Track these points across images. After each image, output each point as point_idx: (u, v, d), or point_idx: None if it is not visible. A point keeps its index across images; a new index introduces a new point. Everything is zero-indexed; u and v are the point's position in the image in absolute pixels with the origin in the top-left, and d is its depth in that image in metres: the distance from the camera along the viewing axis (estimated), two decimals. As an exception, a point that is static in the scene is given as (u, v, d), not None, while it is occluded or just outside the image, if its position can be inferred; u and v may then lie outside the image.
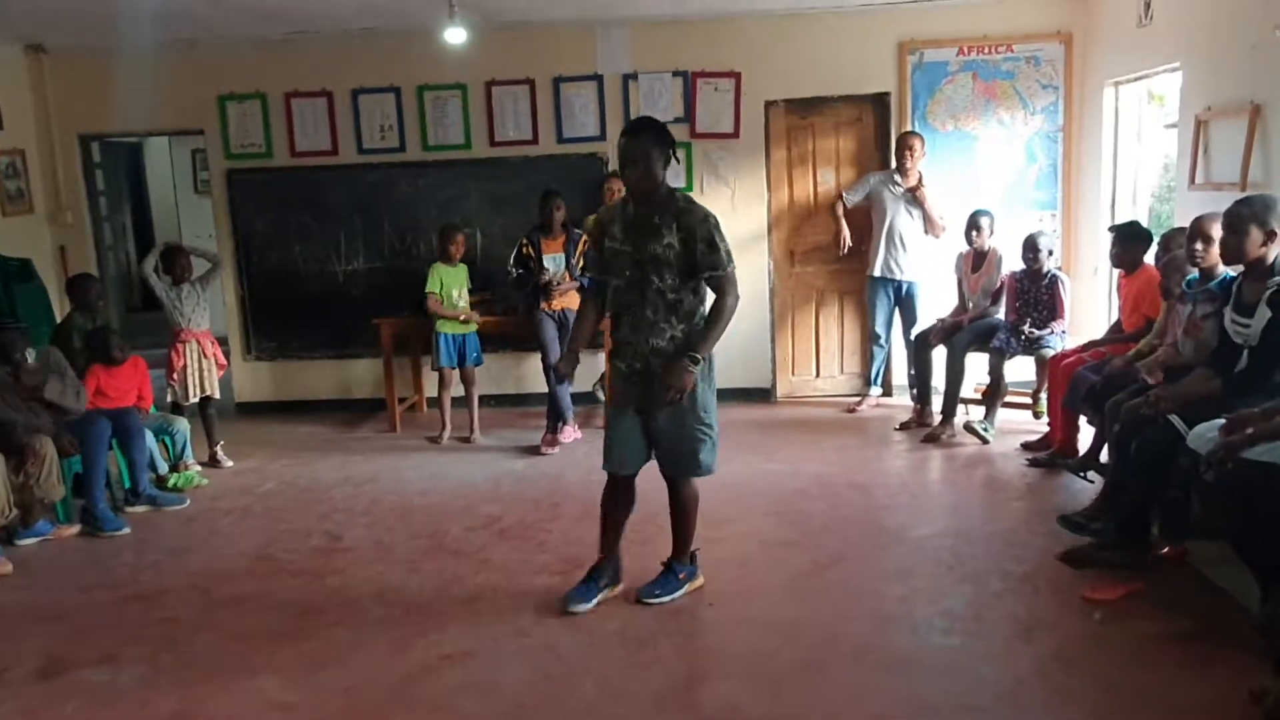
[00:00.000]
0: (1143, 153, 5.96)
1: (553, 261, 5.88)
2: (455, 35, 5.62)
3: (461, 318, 5.99)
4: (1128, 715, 2.74)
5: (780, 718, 2.80)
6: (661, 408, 3.27)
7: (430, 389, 6.81)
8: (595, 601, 3.48)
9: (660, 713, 2.85)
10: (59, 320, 5.95)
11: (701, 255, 3.22)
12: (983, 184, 6.33)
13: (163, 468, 5.25)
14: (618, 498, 3.51)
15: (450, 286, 6.00)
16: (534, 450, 5.71)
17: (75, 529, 4.62)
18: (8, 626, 3.66)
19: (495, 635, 3.39)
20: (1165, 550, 3.72)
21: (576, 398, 6.15)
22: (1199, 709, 2.72)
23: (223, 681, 3.13)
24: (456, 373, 6.05)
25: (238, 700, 3.01)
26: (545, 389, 5.98)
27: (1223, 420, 3.16)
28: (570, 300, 5.82)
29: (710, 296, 3.36)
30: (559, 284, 5.82)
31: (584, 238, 5.86)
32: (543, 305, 5.85)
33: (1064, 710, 2.79)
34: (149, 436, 5.10)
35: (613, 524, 3.54)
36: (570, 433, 5.84)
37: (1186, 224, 4.13)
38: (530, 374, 6.67)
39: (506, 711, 2.89)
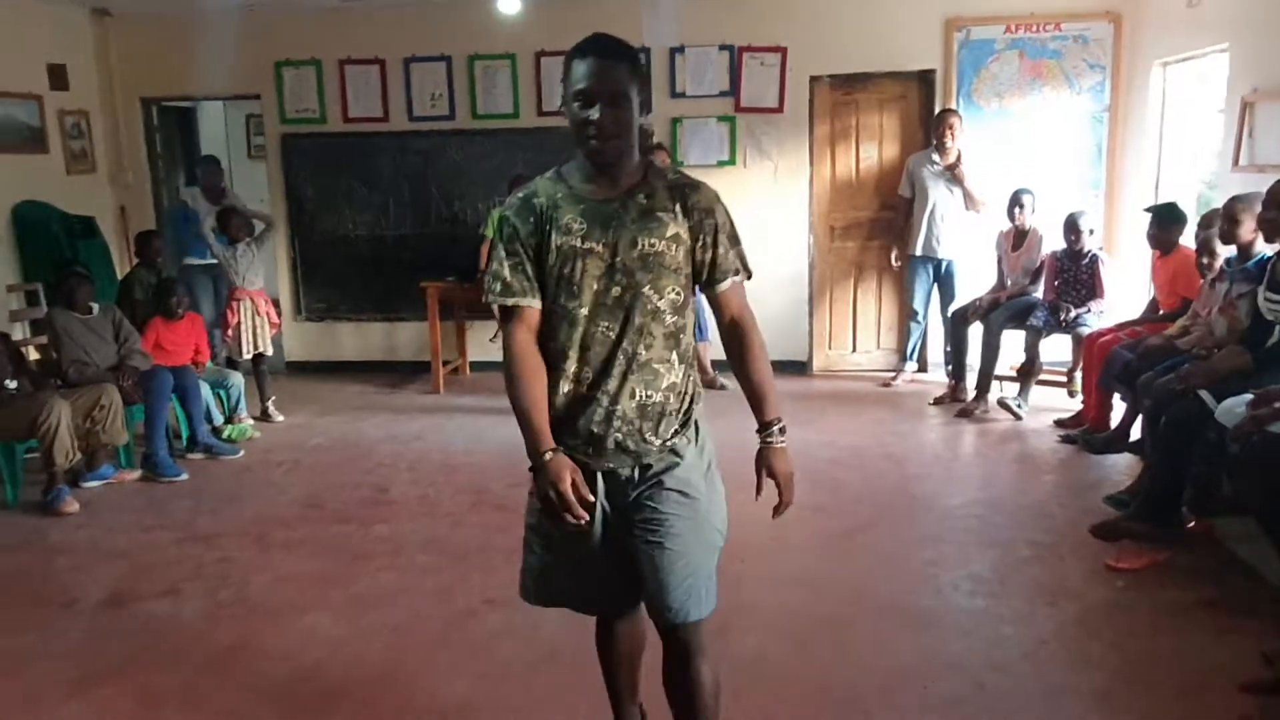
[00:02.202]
0: (1193, 137, 5.92)
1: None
2: (508, 5, 5.74)
3: None
4: (1144, 676, 2.82)
5: (805, 668, 2.92)
6: (665, 523, 1.99)
7: (475, 353, 6.99)
8: None
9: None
10: (119, 276, 6.21)
11: (722, 254, 2.01)
12: (1026, 163, 6.32)
13: (218, 419, 5.47)
14: (627, 636, 2.32)
15: None
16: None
17: (136, 474, 4.85)
18: (76, 560, 3.88)
19: (534, 584, 3.53)
20: (1192, 524, 3.78)
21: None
22: (1213, 672, 2.79)
23: (277, 617, 3.32)
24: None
25: (291, 634, 3.19)
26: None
27: (1250, 395, 3.21)
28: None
29: None
30: None
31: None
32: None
33: (1083, 670, 2.87)
34: (205, 389, 5.32)
35: (625, 671, 2.37)
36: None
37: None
38: (571, 341, 6.80)
39: (542, 655, 3.04)
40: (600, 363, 1.97)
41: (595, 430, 1.99)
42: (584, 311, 1.95)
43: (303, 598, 3.47)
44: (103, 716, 2.74)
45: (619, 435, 1.98)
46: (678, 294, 1.99)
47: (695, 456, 2.06)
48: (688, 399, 2.05)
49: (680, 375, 2.02)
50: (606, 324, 1.96)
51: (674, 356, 2.01)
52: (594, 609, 2.24)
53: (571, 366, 1.98)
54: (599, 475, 2.03)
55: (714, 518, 2.08)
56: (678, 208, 1.97)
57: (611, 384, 1.97)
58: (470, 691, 2.83)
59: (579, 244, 1.94)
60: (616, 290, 1.95)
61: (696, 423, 2.07)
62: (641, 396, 1.98)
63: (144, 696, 2.83)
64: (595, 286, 1.94)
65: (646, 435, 1.99)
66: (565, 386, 2.00)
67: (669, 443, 2.02)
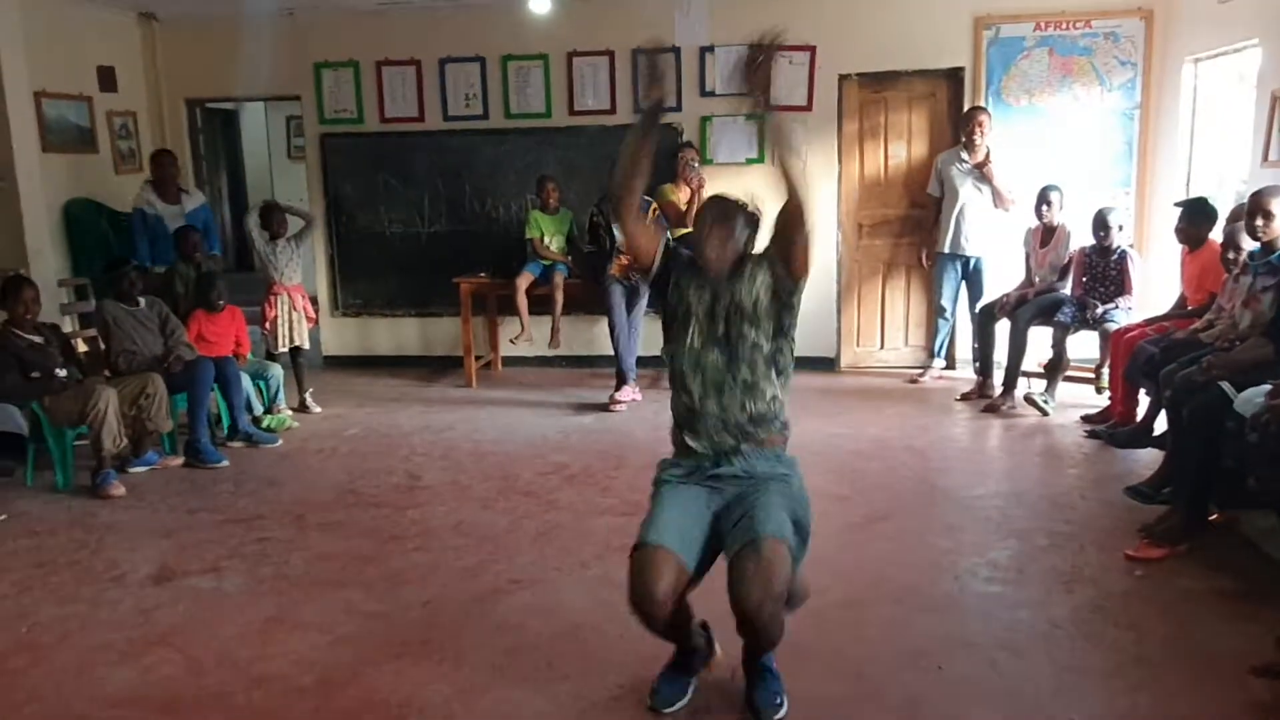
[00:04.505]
0: (1231, 136, 5.89)
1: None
2: (539, 5, 5.87)
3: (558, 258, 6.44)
4: (1156, 659, 2.86)
5: (822, 646, 2.98)
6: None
7: (506, 349, 7.11)
8: (690, 693, 2.68)
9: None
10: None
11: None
12: (1056, 160, 6.32)
13: (258, 409, 5.64)
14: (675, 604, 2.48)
15: (547, 232, 6.36)
16: (602, 407, 5.96)
17: (180, 460, 5.03)
18: (124, 539, 4.05)
19: (559, 566, 3.65)
20: (1215, 517, 3.80)
21: (643, 360, 6.36)
22: (1225, 656, 2.82)
23: (315, 592, 3.46)
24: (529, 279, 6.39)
25: (329, 608, 3.32)
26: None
27: (1270, 386, 3.24)
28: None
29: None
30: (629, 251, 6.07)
31: (653, 206, 6.10)
32: (610, 270, 6.08)
33: (1095, 652, 2.92)
34: (246, 380, 5.49)
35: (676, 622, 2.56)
36: (629, 393, 6.05)
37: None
38: (600, 337, 6.90)
39: (565, 630, 3.13)
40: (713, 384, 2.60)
41: (714, 436, 2.59)
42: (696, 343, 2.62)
43: (338, 575, 3.60)
44: (149, 681, 2.88)
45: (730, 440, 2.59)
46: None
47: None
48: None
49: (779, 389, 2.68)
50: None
51: (773, 374, 2.65)
52: (673, 566, 2.44)
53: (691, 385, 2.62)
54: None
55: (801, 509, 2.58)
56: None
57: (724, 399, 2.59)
58: (497, 662, 2.93)
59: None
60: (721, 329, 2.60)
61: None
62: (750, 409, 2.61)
63: (188, 663, 2.97)
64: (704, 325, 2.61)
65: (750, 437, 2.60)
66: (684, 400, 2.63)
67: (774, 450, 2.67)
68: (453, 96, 6.93)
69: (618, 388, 6.03)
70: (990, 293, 6.15)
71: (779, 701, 2.60)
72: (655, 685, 2.66)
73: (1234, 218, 4.59)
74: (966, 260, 6.26)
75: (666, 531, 2.47)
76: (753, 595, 2.34)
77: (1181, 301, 5.19)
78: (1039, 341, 5.65)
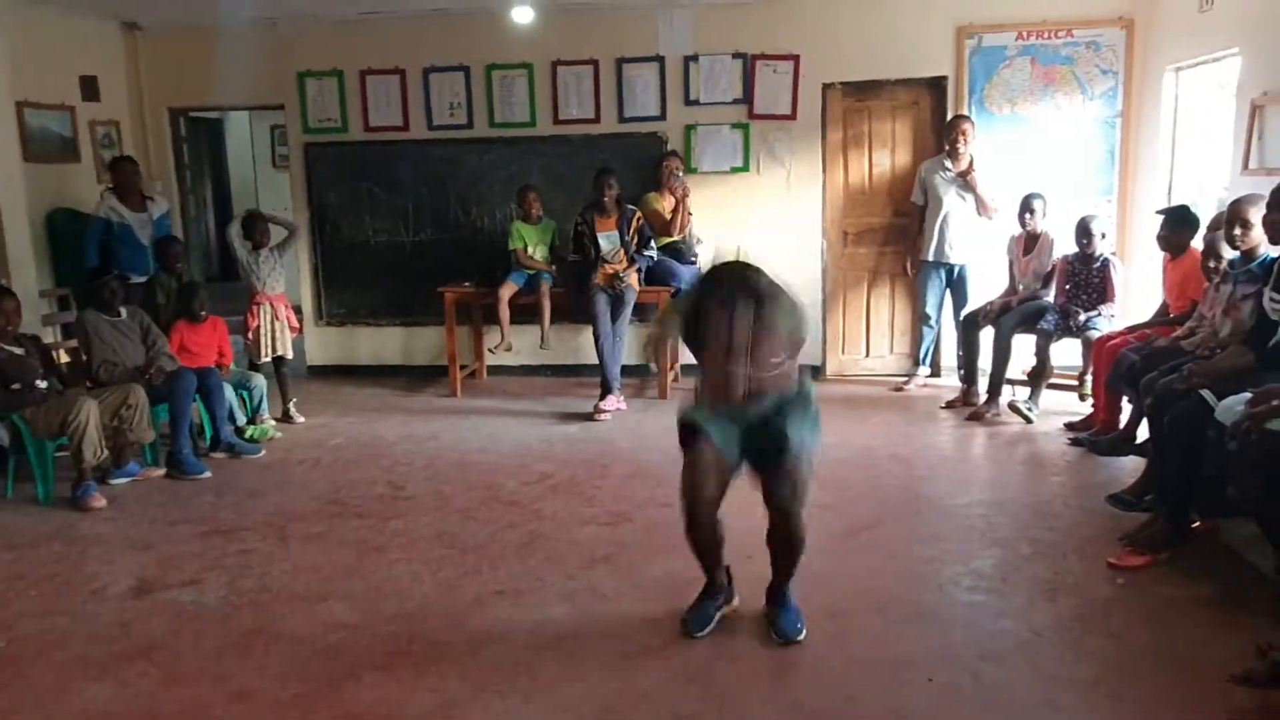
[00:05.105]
0: (1212, 144, 5.93)
1: (607, 239, 6.14)
2: (522, 14, 5.90)
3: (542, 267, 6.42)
4: (1138, 667, 2.87)
5: (805, 656, 2.98)
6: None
7: (490, 358, 7.08)
8: (715, 620, 3.19)
9: (694, 646, 3.06)
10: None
11: None
12: (1039, 168, 6.35)
13: (241, 420, 5.60)
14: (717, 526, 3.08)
15: (530, 243, 6.35)
16: (587, 416, 5.95)
17: (161, 471, 4.99)
18: (103, 552, 4.01)
19: (542, 576, 3.63)
20: (1197, 525, 3.81)
21: (628, 369, 6.37)
22: (1208, 664, 2.83)
23: (296, 604, 3.43)
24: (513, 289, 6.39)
25: (309, 620, 3.30)
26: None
27: (1250, 394, 3.25)
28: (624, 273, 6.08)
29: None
30: (613, 260, 6.08)
31: (637, 214, 6.12)
32: (595, 279, 6.08)
33: (1078, 661, 2.93)
34: (229, 390, 5.45)
35: (715, 548, 3.14)
36: (613, 402, 6.04)
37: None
38: (585, 346, 6.89)
39: (549, 642, 3.12)
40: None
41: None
42: None
43: (320, 587, 3.57)
44: (128, 695, 2.85)
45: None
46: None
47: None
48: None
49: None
50: None
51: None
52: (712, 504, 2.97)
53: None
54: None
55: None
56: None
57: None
58: (479, 675, 2.92)
59: None
60: None
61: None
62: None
63: (167, 676, 2.94)
64: None
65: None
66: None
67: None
68: (437, 106, 6.92)
69: (602, 397, 6.02)
70: (974, 301, 6.18)
71: (799, 627, 3.09)
72: (685, 615, 3.14)
73: (1215, 226, 4.62)
74: (951, 268, 6.29)
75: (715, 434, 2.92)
76: (785, 495, 2.91)
77: (1163, 309, 5.21)
78: (1022, 349, 5.67)
